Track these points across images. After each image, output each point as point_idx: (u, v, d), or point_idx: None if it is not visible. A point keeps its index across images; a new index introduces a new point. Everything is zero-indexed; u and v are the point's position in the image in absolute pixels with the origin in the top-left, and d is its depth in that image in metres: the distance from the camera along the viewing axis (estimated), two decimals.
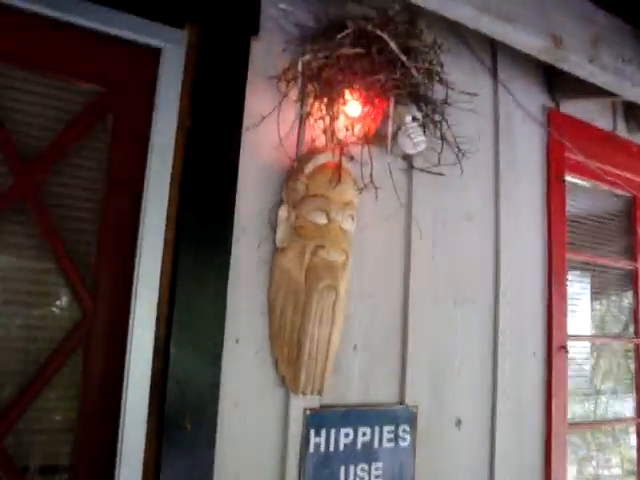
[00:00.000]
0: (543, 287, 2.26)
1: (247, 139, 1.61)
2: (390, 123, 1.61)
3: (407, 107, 1.67)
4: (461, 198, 2.03)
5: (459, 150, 1.79)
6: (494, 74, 2.20)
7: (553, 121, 2.37)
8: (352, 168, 1.68)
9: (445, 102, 1.72)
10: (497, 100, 2.18)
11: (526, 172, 2.25)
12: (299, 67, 1.61)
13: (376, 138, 1.70)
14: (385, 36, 1.50)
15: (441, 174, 1.71)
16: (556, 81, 2.39)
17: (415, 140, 1.66)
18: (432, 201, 1.93)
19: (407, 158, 1.82)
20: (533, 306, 2.23)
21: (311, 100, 1.65)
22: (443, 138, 1.80)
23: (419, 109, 1.70)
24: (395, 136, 1.69)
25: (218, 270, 1.54)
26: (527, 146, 2.27)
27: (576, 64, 1.83)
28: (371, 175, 1.65)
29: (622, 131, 2.70)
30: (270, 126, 1.63)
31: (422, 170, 1.77)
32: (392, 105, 1.61)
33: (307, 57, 1.62)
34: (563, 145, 2.36)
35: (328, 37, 1.61)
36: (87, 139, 1.52)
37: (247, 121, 1.61)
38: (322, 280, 1.60)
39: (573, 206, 2.52)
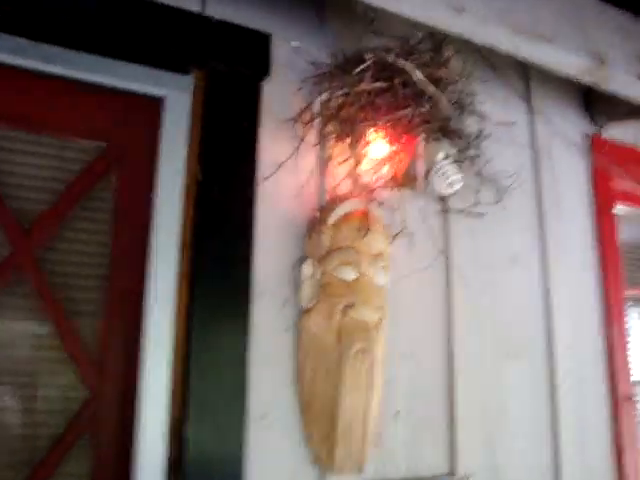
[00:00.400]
0: (601, 331, 2.02)
1: (263, 189, 1.45)
2: (421, 162, 1.44)
3: (438, 143, 1.50)
4: (504, 239, 1.83)
5: (498, 188, 1.60)
6: (528, 102, 2.03)
7: (596, 148, 2.17)
8: (382, 215, 1.50)
9: (480, 135, 1.54)
10: (534, 130, 2.00)
11: (572, 205, 2.04)
12: (316, 107, 1.45)
13: (406, 180, 1.52)
14: (408, 66, 1.34)
15: (480, 214, 1.52)
16: (596, 104, 2.20)
17: (450, 179, 1.49)
18: (472, 245, 1.73)
19: (442, 199, 1.64)
20: (592, 353, 1.98)
21: (332, 142, 1.49)
22: (480, 175, 1.62)
23: (452, 144, 1.53)
24: (427, 176, 1.51)
25: (237, 338, 1.36)
26: (570, 177, 2.07)
27: (623, 83, 1.64)
28: (404, 221, 1.47)
29: None
30: (288, 174, 1.47)
31: (460, 212, 1.58)
32: (422, 142, 1.44)
33: (324, 96, 1.47)
34: (609, 173, 2.16)
35: (346, 73, 1.46)
36: (89, 199, 1.39)
37: (262, 170, 1.45)
38: (355, 343, 1.40)
39: (626, 237, 2.30)
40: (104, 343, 1.33)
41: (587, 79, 1.60)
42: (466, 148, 1.57)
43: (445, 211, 1.64)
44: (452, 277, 1.66)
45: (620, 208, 2.21)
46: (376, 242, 1.45)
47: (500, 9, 1.39)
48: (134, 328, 1.33)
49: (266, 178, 1.44)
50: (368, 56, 1.39)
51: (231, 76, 1.48)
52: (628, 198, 2.24)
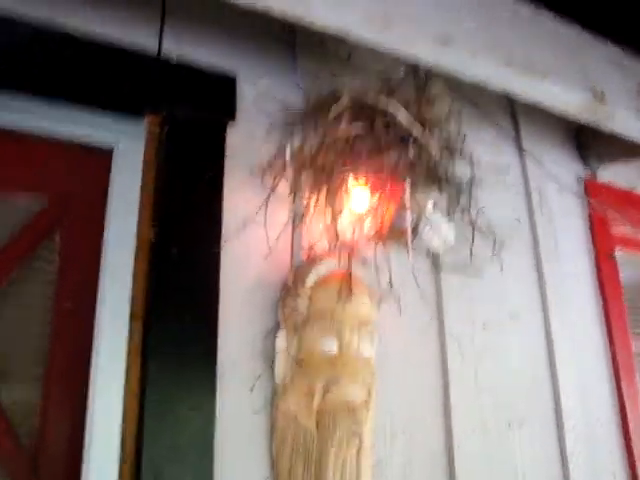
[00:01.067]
0: (610, 388, 1.84)
1: (229, 249, 1.25)
2: (408, 214, 1.26)
3: (427, 192, 1.33)
4: (501, 295, 1.65)
5: (495, 239, 1.43)
6: (518, 143, 1.88)
7: (592, 192, 2.02)
8: (365, 275, 1.32)
9: (472, 181, 1.38)
10: (526, 174, 1.85)
11: (571, 253, 1.88)
12: (288, 154, 1.28)
13: (393, 234, 1.34)
14: (392, 105, 1.18)
15: (476, 270, 1.33)
16: (588, 146, 2.08)
17: (442, 233, 1.31)
18: (468, 303, 1.54)
19: (432, 255, 1.45)
20: (603, 413, 1.79)
21: (306, 194, 1.31)
22: (474, 226, 1.44)
23: (441, 193, 1.36)
24: (416, 229, 1.34)
25: (199, 427, 1.15)
26: (567, 223, 1.92)
27: (623, 122, 1.50)
28: (390, 282, 1.28)
29: None
30: (257, 230, 1.28)
31: (453, 268, 1.39)
32: (408, 191, 1.26)
33: (297, 141, 1.30)
34: (607, 218, 2.01)
35: (321, 115, 1.29)
36: (29, 260, 1.19)
37: (227, 226, 1.26)
38: (339, 426, 1.20)
39: (629, 282, 2.13)
40: (41, 433, 1.11)
41: (585, 117, 1.46)
42: (457, 196, 1.40)
43: (436, 268, 1.46)
44: (447, 342, 1.46)
45: (620, 254, 2.05)
46: (360, 307, 1.26)
47: (489, 42, 1.25)
48: (77, 414, 1.11)
49: (232, 236, 1.25)
50: (344, 96, 1.22)
51: (191, 121, 1.30)
52: (628, 243, 2.08)
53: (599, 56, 1.52)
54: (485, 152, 1.69)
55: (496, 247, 1.42)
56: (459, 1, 1.25)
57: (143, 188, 1.24)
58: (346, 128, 1.26)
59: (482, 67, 1.24)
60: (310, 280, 1.25)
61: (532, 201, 1.83)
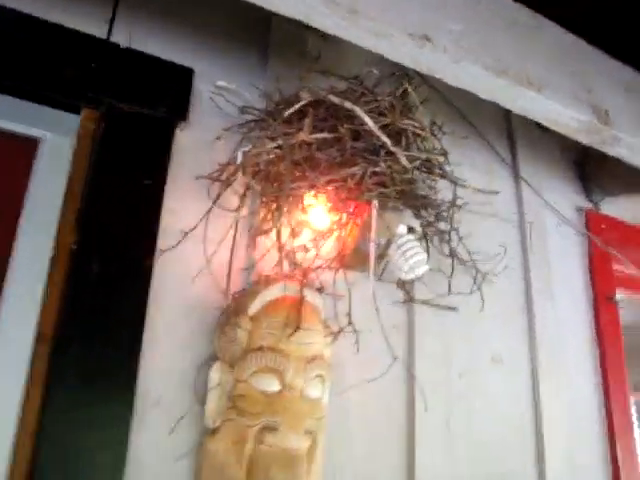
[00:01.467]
0: (604, 449, 1.63)
1: (162, 266, 1.09)
2: (373, 237, 1.09)
3: (398, 213, 1.16)
4: (483, 335, 1.46)
5: (477, 272, 1.26)
6: (515, 170, 1.72)
7: (593, 226, 1.85)
8: (319, 304, 1.14)
9: (454, 204, 1.21)
10: (521, 203, 1.67)
11: (566, 293, 1.70)
12: (238, 161, 1.11)
13: (355, 259, 1.17)
14: (357, 110, 1.02)
15: (453, 307, 1.15)
16: (591, 176, 1.91)
17: (412, 261, 1.14)
18: (443, 343, 1.36)
19: (403, 286, 1.27)
20: (594, 478, 1.59)
21: (257, 207, 1.15)
22: (454, 255, 1.27)
23: (417, 215, 1.19)
24: (383, 255, 1.17)
25: (107, 474, 0.97)
26: (565, 259, 1.73)
27: (629, 146, 1.33)
28: (349, 314, 1.11)
29: None
30: (197, 245, 1.12)
31: (426, 302, 1.21)
32: (375, 211, 1.09)
33: (250, 147, 1.14)
34: (609, 255, 1.82)
35: (279, 119, 1.13)
36: None
37: (163, 240, 1.10)
38: None
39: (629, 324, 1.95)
40: None
41: (584, 138, 1.29)
42: (435, 221, 1.23)
43: (407, 301, 1.28)
44: (415, 385, 1.28)
45: (621, 296, 1.86)
46: (310, 342, 1.08)
47: (477, 45, 1.09)
48: None
49: (168, 250, 1.08)
50: (304, 94, 1.06)
51: (135, 118, 1.15)
52: (631, 285, 1.90)
53: (603, 74, 1.36)
54: (475, 175, 1.52)
55: (479, 282, 1.25)
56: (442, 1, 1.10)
57: (69, 189, 1.08)
58: (306, 135, 1.09)
59: (467, 72, 1.07)
60: (253, 307, 1.08)
61: (525, 232, 1.65)
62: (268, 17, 1.40)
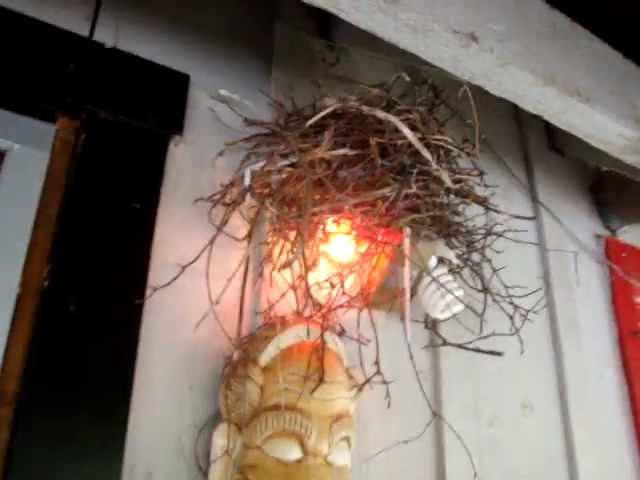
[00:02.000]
0: None
1: (155, 304, 0.90)
2: (407, 271, 0.92)
3: (431, 243, 0.99)
4: (512, 379, 1.30)
5: (515, 309, 1.10)
6: (533, 195, 1.58)
7: (613, 255, 1.71)
8: (342, 350, 0.96)
9: (490, 233, 1.05)
10: (542, 231, 1.53)
11: (591, 328, 1.55)
12: (246, 181, 0.94)
13: (382, 296, 1.00)
14: (395, 121, 0.85)
15: (498, 354, 0.98)
16: (610, 203, 1.79)
17: (449, 297, 0.97)
18: (472, 390, 1.19)
19: (433, 326, 1.10)
20: None
21: (269, 236, 0.97)
22: (487, 291, 1.11)
23: (450, 245, 1.02)
24: (414, 291, 1.00)
25: None
26: (587, 291, 1.59)
27: None
28: (377, 362, 0.93)
29: None
30: (197, 281, 0.93)
31: (462, 347, 1.03)
32: (408, 240, 0.93)
33: (259, 165, 0.96)
34: (631, 286, 1.69)
35: (294, 133, 0.96)
36: None
37: (156, 274, 0.91)
38: None
39: None
40: None
41: (632, 157, 1.15)
42: (469, 251, 1.07)
43: (442, 344, 1.10)
44: (446, 440, 1.10)
45: None
46: (335, 397, 0.90)
47: (522, 49, 0.94)
48: None
49: (161, 287, 0.89)
50: (327, 102, 0.90)
51: (121, 129, 0.97)
52: None
53: None
54: (493, 200, 1.38)
55: (515, 322, 1.08)
56: None
57: (41, 213, 0.89)
58: (326, 151, 0.92)
59: (514, 78, 0.93)
60: (266, 355, 0.90)
61: (548, 263, 1.50)
62: (271, 20, 1.24)
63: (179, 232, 0.96)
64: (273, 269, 0.94)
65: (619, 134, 1.08)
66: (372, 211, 0.93)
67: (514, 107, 1.68)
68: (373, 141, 0.88)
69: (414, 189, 0.93)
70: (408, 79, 0.96)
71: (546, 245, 1.51)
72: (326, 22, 1.35)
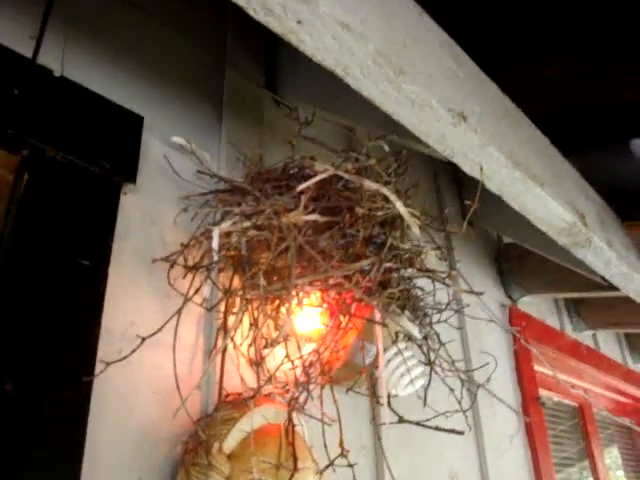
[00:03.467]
0: None
1: (106, 384, 0.76)
2: (380, 347, 0.87)
3: (397, 317, 0.96)
4: (440, 451, 1.29)
5: (463, 384, 1.09)
6: (451, 263, 1.62)
7: (515, 323, 1.81)
8: (305, 432, 0.89)
9: (460, 310, 1.05)
10: (459, 298, 1.57)
11: (502, 396, 1.61)
12: (214, 243, 0.85)
13: (345, 372, 0.94)
14: (387, 193, 0.82)
15: (459, 432, 0.95)
16: (511, 273, 1.89)
17: (414, 373, 0.94)
18: (408, 462, 1.16)
19: (389, 403, 1.05)
20: None
21: (231, 303, 0.88)
22: (432, 365, 1.09)
23: (414, 320, 1.00)
24: (375, 367, 0.95)
25: None
26: (497, 359, 1.65)
27: (596, 251, 1.28)
28: (342, 447, 0.86)
29: (568, 329, 2.24)
30: (152, 354, 0.81)
31: (420, 425, 0.99)
32: (378, 316, 0.88)
33: (226, 224, 0.88)
34: (531, 354, 1.79)
35: (266, 190, 0.90)
36: None
37: (107, 346, 0.78)
38: None
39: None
40: None
41: (564, 239, 1.22)
42: (426, 325, 1.05)
43: (393, 422, 1.05)
44: None
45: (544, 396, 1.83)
46: None
47: (496, 132, 0.97)
48: None
49: (112, 363, 0.76)
50: (319, 167, 0.85)
51: (69, 172, 0.84)
52: (548, 385, 1.88)
53: (572, 178, 1.33)
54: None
55: (468, 392, 1.08)
56: (468, 77, 0.97)
57: None
58: (299, 215, 0.87)
59: (491, 159, 0.94)
60: (231, 440, 0.80)
61: (466, 332, 1.54)
62: (222, 67, 1.17)
63: (130, 295, 0.84)
64: (234, 340, 0.85)
65: (562, 218, 1.14)
66: (347, 284, 0.88)
67: (434, 179, 1.76)
68: (359, 211, 0.84)
69: (391, 263, 0.90)
70: (387, 149, 0.94)
71: (464, 318, 1.54)
72: (273, 74, 1.32)
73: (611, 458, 2.76)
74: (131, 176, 0.91)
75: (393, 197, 0.81)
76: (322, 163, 0.87)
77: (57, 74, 0.88)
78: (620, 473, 2.83)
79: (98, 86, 0.92)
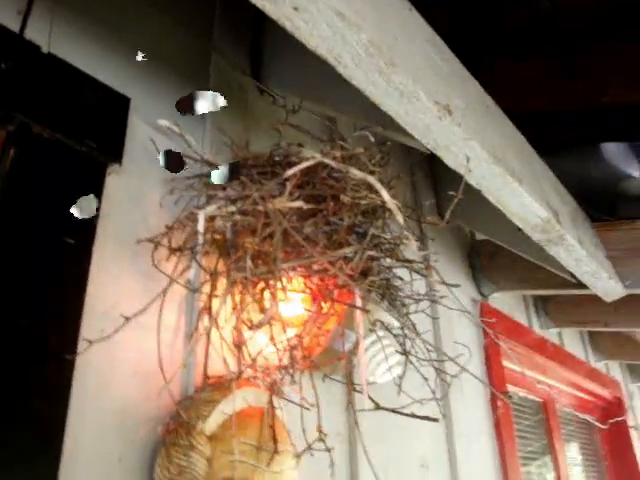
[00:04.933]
0: None
1: (87, 362, 0.76)
2: (361, 333, 0.89)
3: (376, 305, 0.98)
4: (411, 440, 1.32)
5: (438, 374, 1.11)
6: (425, 257, 1.65)
7: (485, 319, 1.85)
8: (284, 416, 0.90)
9: (433, 300, 1.07)
10: (432, 291, 1.60)
11: (472, 389, 1.65)
12: (200, 226, 0.85)
13: (325, 359, 0.96)
14: (373, 182, 0.83)
15: (434, 420, 0.98)
16: (482, 269, 1.93)
17: (392, 361, 0.96)
18: (381, 450, 1.19)
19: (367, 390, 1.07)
20: None
21: (215, 286, 0.88)
22: (407, 354, 1.11)
23: (391, 310, 1.02)
24: (353, 354, 0.97)
25: None
26: (470, 353, 1.68)
27: (569, 247, 1.32)
28: (320, 430, 0.88)
29: (536, 326, 2.30)
30: (134, 335, 0.81)
31: (397, 412, 1.02)
32: (360, 303, 0.90)
33: (212, 208, 0.88)
34: (500, 349, 1.83)
35: (251, 176, 0.91)
36: None
37: (90, 326, 0.78)
38: None
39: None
40: None
41: (538, 235, 1.25)
42: (405, 316, 1.07)
43: (369, 409, 1.07)
44: None
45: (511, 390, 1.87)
46: (282, 468, 0.83)
47: (477, 126, 0.99)
48: None
49: (96, 342, 0.76)
50: (307, 154, 0.86)
51: (55, 149, 0.83)
52: (515, 380, 1.92)
53: (546, 177, 1.36)
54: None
55: (441, 384, 1.10)
56: (452, 73, 0.99)
57: None
58: (284, 202, 0.88)
59: (473, 153, 0.96)
60: (212, 422, 0.80)
61: (439, 324, 1.57)
62: (209, 51, 1.18)
63: (113, 275, 0.84)
64: (217, 323, 0.85)
65: (537, 215, 1.17)
66: (329, 270, 0.89)
67: (410, 174, 1.78)
68: (344, 198, 0.85)
69: (373, 251, 0.92)
70: (373, 139, 0.96)
71: (438, 312, 1.57)
72: (258, 63, 1.32)
73: (571, 454, 2.83)
74: (117, 157, 0.90)
75: (378, 185, 0.83)
76: (309, 150, 0.88)
77: (44, 51, 0.87)
78: (579, 469, 2.91)
79: (85, 65, 0.91)
